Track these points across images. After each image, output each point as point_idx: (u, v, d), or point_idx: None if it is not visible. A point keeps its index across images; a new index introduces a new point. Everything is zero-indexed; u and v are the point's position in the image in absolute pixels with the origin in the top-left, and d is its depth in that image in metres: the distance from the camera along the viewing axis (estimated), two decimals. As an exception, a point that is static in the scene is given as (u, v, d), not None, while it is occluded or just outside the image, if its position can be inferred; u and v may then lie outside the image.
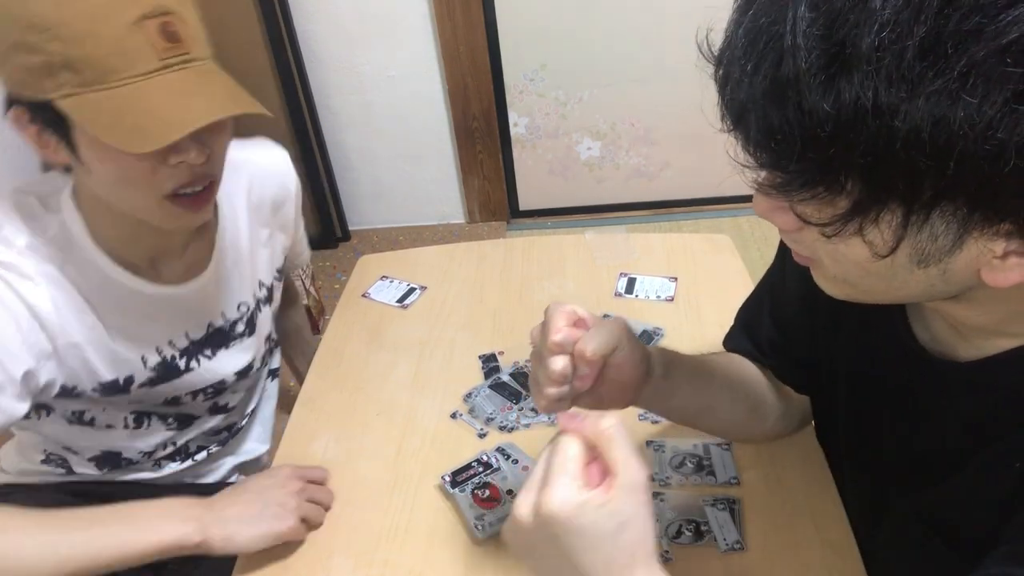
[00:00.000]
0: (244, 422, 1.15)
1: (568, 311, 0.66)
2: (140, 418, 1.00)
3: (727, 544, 0.80)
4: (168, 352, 0.95)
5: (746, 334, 0.86)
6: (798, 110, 0.40)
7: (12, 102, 0.76)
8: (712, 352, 0.88)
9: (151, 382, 0.94)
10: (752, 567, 0.78)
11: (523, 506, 0.51)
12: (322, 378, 1.09)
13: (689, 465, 0.88)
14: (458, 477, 0.89)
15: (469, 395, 1.02)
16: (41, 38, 0.69)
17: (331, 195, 2.47)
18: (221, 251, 0.98)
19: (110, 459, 1.02)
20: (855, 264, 0.48)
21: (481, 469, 0.90)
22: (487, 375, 1.05)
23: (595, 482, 0.51)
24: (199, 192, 0.82)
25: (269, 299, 1.08)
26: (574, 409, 0.61)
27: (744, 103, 0.43)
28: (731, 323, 0.89)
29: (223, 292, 1.00)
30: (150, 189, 0.78)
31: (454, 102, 2.35)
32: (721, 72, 0.45)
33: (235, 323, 1.02)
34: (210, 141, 0.79)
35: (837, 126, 0.39)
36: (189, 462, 1.09)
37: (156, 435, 1.03)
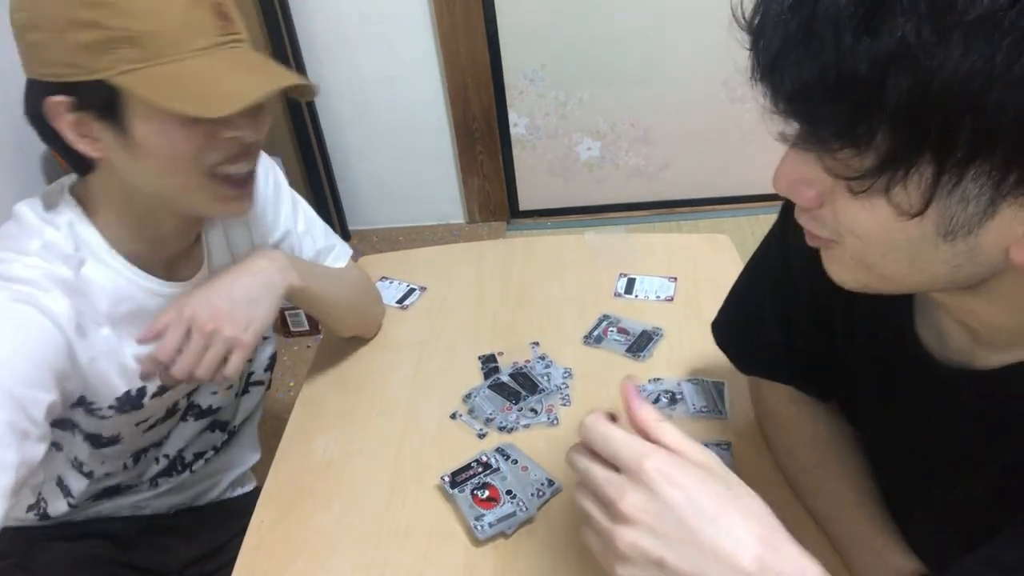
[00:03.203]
0: (237, 423, 1.14)
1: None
2: (137, 456, 0.99)
3: (726, 544, 0.79)
4: None
5: (771, 361, 0.82)
6: (835, 51, 0.39)
7: (48, 92, 0.73)
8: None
9: (161, 390, 0.92)
10: (751, 567, 0.78)
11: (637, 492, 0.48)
12: (322, 378, 1.09)
13: (689, 465, 0.88)
14: (457, 477, 0.89)
15: (468, 395, 1.02)
16: (102, 13, 0.69)
17: (331, 195, 2.47)
18: (207, 236, 0.97)
19: (107, 492, 1.01)
20: (878, 235, 0.46)
21: (481, 469, 0.90)
22: (487, 375, 1.05)
23: None
24: (243, 176, 0.83)
25: None
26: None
27: (779, 49, 0.42)
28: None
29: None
30: (196, 164, 0.78)
31: (454, 102, 2.35)
32: (757, 19, 0.45)
33: None
34: (259, 122, 0.81)
35: (873, 69, 0.38)
36: (187, 473, 1.08)
37: (151, 467, 1.03)
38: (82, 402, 0.84)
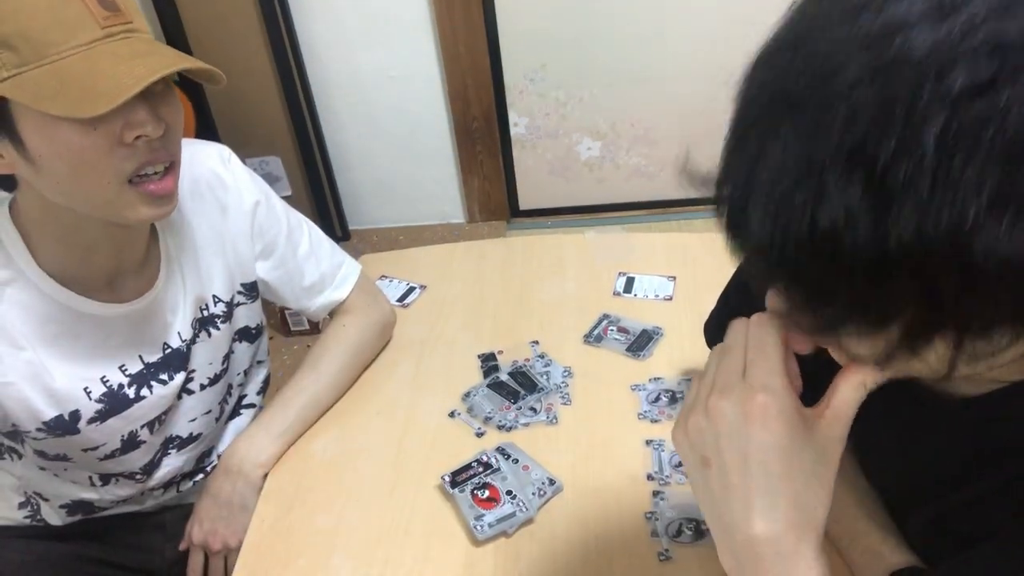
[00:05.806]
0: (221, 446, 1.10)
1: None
2: (106, 478, 0.96)
3: (727, 543, 0.79)
4: (116, 380, 0.88)
5: None
6: (846, 248, 0.35)
7: None
8: None
9: (101, 416, 0.88)
10: (752, 566, 0.78)
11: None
12: (322, 378, 1.09)
13: (689, 464, 0.88)
14: (458, 477, 0.89)
15: (467, 394, 1.02)
16: None
17: (331, 195, 2.47)
18: (167, 252, 0.91)
19: (82, 507, 0.99)
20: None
21: (481, 469, 0.90)
22: (486, 374, 1.05)
23: None
24: (161, 174, 0.77)
25: (227, 318, 0.99)
26: None
27: (770, 254, 0.38)
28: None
29: (176, 304, 0.93)
30: (109, 173, 0.73)
31: (454, 102, 2.35)
32: (728, 213, 0.40)
33: (190, 342, 0.95)
34: (164, 114, 0.74)
35: (900, 261, 0.34)
36: (174, 492, 1.06)
37: (125, 488, 0.99)
38: (5, 424, 0.83)
